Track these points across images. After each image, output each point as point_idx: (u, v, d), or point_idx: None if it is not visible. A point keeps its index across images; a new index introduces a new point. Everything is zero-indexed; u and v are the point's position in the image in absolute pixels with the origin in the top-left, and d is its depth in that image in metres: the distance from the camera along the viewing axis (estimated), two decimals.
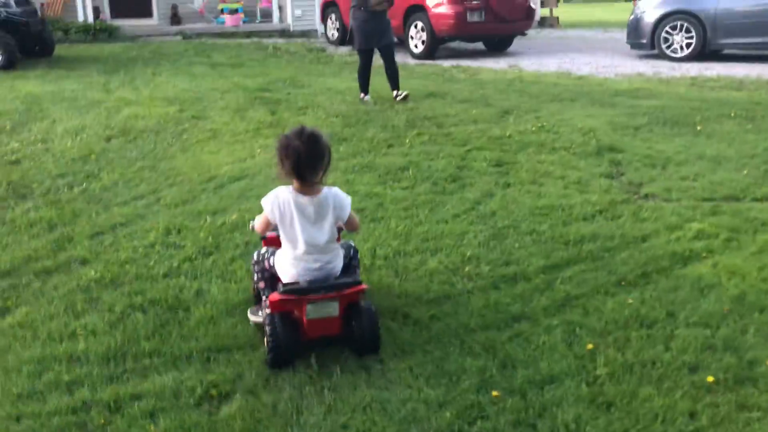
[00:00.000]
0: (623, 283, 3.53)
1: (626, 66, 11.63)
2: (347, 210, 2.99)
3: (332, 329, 2.93)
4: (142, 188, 5.12)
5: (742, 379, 2.70)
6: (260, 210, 3.00)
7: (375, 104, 8.19)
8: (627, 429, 2.43)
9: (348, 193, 3.09)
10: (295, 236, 2.90)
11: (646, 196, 4.90)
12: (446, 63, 12.23)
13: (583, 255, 3.87)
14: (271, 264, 3.10)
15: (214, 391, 2.67)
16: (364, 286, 2.96)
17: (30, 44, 12.16)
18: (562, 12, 22.08)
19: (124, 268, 3.76)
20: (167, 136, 6.72)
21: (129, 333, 3.08)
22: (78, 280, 3.62)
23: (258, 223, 3.04)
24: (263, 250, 3.20)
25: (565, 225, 4.31)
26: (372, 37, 8.16)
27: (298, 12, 18.37)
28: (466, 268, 3.71)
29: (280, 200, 2.89)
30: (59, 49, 13.33)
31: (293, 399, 2.62)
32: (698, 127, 6.79)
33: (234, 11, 18.51)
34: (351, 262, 3.19)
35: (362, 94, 8.51)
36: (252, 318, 3.17)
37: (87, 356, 2.91)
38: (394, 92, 8.42)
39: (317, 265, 2.94)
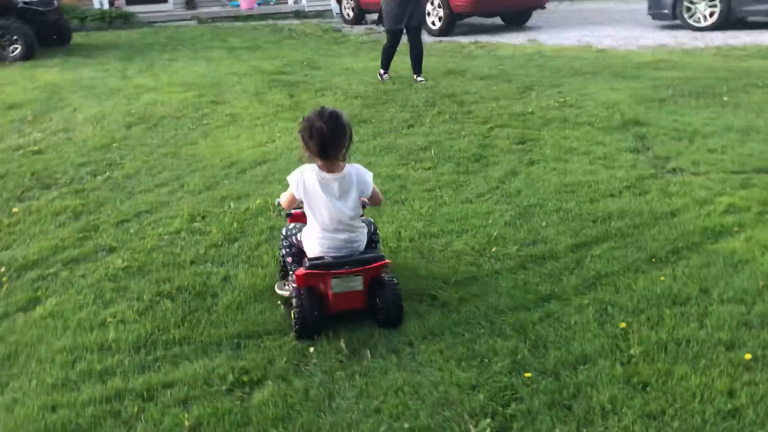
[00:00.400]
0: (654, 260, 3.47)
1: (648, 37, 11.42)
2: (370, 185, 3.09)
3: (356, 303, 3.01)
4: (165, 175, 5.13)
5: None
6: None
7: (393, 83, 8.11)
8: (664, 409, 2.39)
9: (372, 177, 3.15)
10: (321, 212, 2.99)
11: (674, 170, 4.82)
12: (464, 39, 12.09)
13: (612, 232, 3.81)
14: (298, 239, 3.18)
15: (245, 378, 2.67)
16: (387, 261, 3.03)
17: (47, 33, 12.20)
18: None
19: (150, 255, 3.77)
20: (187, 121, 6.71)
21: (158, 321, 3.09)
22: (105, 268, 3.64)
23: (284, 199, 3.16)
24: (290, 225, 3.29)
25: (592, 202, 4.25)
26: (402, 17, 7.97)
27: None
28: (493, 249, 3.67)
29: (306, 177, 2.99)
30: (76, 37, 13.36)
31: (324, 384, 2.61)
32: (725, 98, 6.65)
33: None
34: (372, 238, 3.26)
35: (381, 71, 8.41)
36: (279, 291, 3.26)
37: (118, 345, 2.92)
38: (415, 75, 8.26)
39: (342, 241, 3.03)
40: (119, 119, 6.84)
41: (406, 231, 3.95)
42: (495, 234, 3.85)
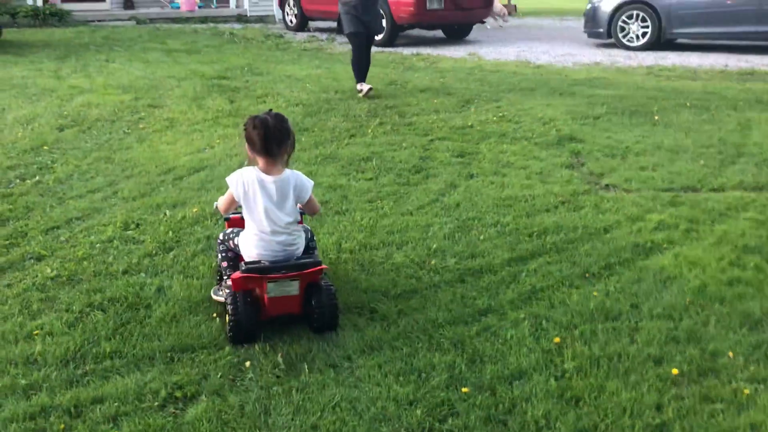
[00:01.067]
0: (587, 275, 3.57)
1: (584, 55, 11.76)
2: (308, 192, 3.15)
3: (292, 308, 3.02)
4: (99, 180, 4.97)
5: (705, 371, 2.75)
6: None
7: (336, 92, 8.09)
8: (596, 423, 2.44)
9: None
10: (259, 214, 3.02)
11: (607, 186, 4.96)
12: (406, 51, 12.18)
13: (547, 247, 3.89)
14: (235, 244, 3.20)
15: (178, 393, 2.60)
16: (324, 266, 3.05)
17: None
18: (520, 1, 22.16)
19: (81, 264, 3.65)
20: (123, 125, 6.54)
21: (88, 333, 2.98)
22: (33, 278, 3.50)
23: (222, 201, 3.19)
24: (228, 230, 3.30)
25: (529, 216, 4.33)
26: (364, 22, 7.72)
27: None
28: (432, 262, 3.70)
29: (245, 178, 3.03)
30: (6, 34, 12.86)
31: (261, 400, 2.57)
32: (656, 117, 6.90)
33: None
34: (309, 244, 3.30)
35: (359, 84, 7.98)
36: (215, 297, 3.24)
37: (45, 358, 2.81)
38: (358, 85, 8.07)
39: (279, 246, 3.05)
40: (51, 121, 6.61)
41: (346, 242, 3.94)
42: (434, 246, 3.88)
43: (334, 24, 15.90)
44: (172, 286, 3.42)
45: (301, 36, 14.61)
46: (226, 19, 17.54)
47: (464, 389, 2.62)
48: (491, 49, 12.63)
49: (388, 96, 7.95)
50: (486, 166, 5.36)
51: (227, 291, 3.04)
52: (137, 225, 4.17)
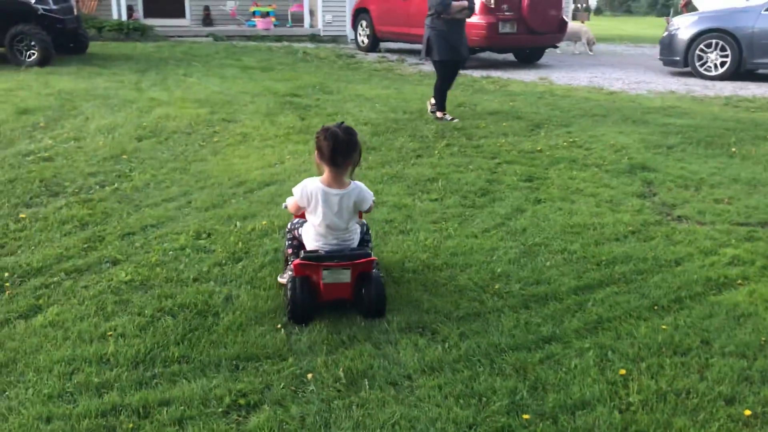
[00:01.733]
0: (656, 307, 3.48)
1: (658, 83, 11.52)
2: (368, 204, 3.46)
3: (344, 293, 3.35)
4: (173, 190, 5.15)
5: None
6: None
7: (404, 113, 8.16)
8: None
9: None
10: (319, 219, 3.36)
11: (679, 218, 4.83)
12: (476, 73, 12.20)
13: (615, 277, 3.82)
14: (299, 233, 3.56)
15: (242, 401, 2.66)
16: (373, 258, 3.37)
17: (65, 41, 12.33)
18: (593, 25, 21.94)
19: (154, 270, 3.78)
20: (198, 138, 6.76)
21: (158, 337, 3.09)
22: (108, 281, 3.64)
23: (290, 204, 3.54)
24: (295, 220, 3.65)
25: (597, 245, 4.26)
26: (455, 48, 7.64)
27: (328, 17, 18.47)
28: (496, 286, 3.67)
29: (309, 190, 3.36)
30: (92, 47, 13.51)
31: (321, 413, 2.60)
32: (732, 149, 6.69)
33: (265, 14, 18.65)
34: (364, 237, 3.62)
35: (440, 113, 7.89)
36: (280, 280, 3.64)
37: (117, 359, 2.91)
38: (438, 111, 7.93)
39: (336, 240, 3.41)
40: (131, 131, 6.89)
41: (410, 262, 3.96)
42: (499, 270, 3.86)
43: (405, 45, 16.08)
44: (240, 295, 3.50)
45: (372, 56, 14.81)
46: (300, 39, 17.95)
47: (525, 416, 2.59)
48: (562, 73, 12.52)
49: (456, 117, 7.96)
50: (554, 191, 5.30)
51: (289, 275, 3.33)
52: (209, 235, 4.29)
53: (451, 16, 7.57)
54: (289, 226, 3.68)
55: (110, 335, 3.10)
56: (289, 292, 3.25)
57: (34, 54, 11.27)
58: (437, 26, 7.65)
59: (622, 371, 2.89)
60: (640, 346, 3.09)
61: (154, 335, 3.11)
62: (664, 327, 3.26)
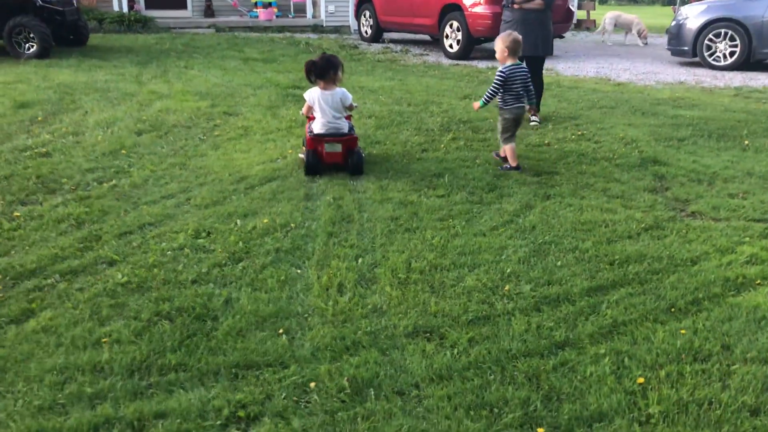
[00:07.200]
0: (673, 310, 3.33)
1: (667, 73, 11.34)
2: (349, 100, 5.43)
3: (338, 159, 5.36)
4: (172, 186, 5.02)
5: None
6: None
7: (408, 105, 8.01)
8: None
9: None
10: (320, 112, 5.37)
11: (693, 214, 4.69)
12: (481, 64, 12.02)
13: (629, 277, 3.67)
14: (311, 129, 5.48)
15: (241, 413, 2.53)
16: (355, 136, 5.48)
17: (64, 33, 12.19)
18: (598, 15, 21.67)
19: (151, 271, 3.64)
20: (198, 131, 6.62)
21: (155, 344, 2.96)
22: (104, 283, 3.51)
23: (304, 109, 5.54)
24: (310, 123, 5.55)
25: (610, 243, 4.12)
26: (527, 42, 6.50)
27: (331, 8, 18.27)
28: (506, 287, 3.54)
29: (312, 94, 5.39)
30: (93, 39, 13.36)
31: (325, 425, 2.47)
32: (745, 142, 6.53)
33: (267, 5, 18.47)
34: (351, 129, 5.56)
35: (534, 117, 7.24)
36: (300, 156, 5.60)
37: (111, 367, 2.79)
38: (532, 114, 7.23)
39: (332, 127, 5.39)
40: (130, 125, 6.75)
41: (416, 261, 3.82)
42: (508, 271, 3.72)
43: (409, 36, 15.88)
44: (240, 298, 3.37)
45: (376, 47, 14.63)
46: (302, 29, 17.77)
47: (540, 429, 2.45)
48: (569, 64, 12.33)
49: (461, 110, 7.81)
50: (564, 187, 5.15)
51: (304, 149, 5.44)
52: (208, 233, 4.16)
53: (519, 6, 7.10)
54: (307, 126, 5.62)
55: (105, 341, 2.97)
56: (304, 158, 5.30)
57: (33, 46, 11.12)
58: (507, 18, 7.18)
59: (641, 380, 2.75)
60: (658, 352, 2.95)
61: (151, 341, 2.98)
62: (682, 331, 3.12)
